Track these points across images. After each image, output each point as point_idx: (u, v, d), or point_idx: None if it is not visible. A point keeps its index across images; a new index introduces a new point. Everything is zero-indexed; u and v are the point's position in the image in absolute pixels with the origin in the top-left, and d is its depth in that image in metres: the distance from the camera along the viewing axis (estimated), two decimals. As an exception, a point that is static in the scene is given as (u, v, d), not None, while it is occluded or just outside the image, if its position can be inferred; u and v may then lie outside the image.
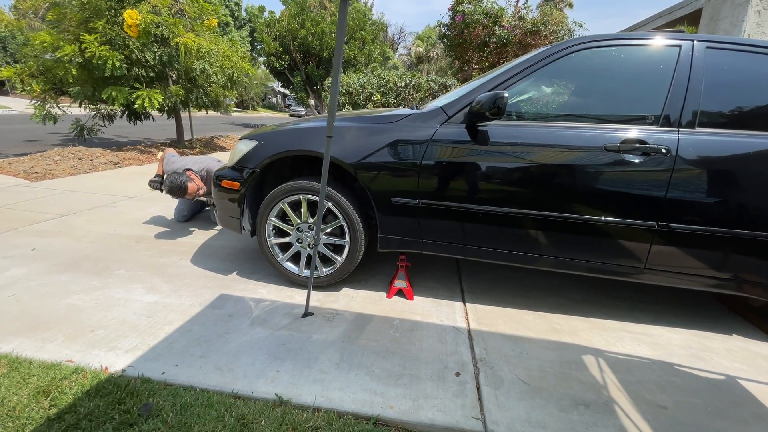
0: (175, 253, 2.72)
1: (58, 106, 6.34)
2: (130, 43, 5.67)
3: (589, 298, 2.33)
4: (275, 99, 41.67)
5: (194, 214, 3.55)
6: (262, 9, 16.34)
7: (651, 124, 1.84)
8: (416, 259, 2.66)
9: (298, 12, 15.01)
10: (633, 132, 1.80)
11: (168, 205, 3.74)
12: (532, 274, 2.56)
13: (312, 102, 17.91)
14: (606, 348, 1.84)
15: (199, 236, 3.11)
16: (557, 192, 1.88)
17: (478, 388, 1.51)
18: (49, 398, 1.31)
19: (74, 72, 5.65)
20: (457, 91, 2.24)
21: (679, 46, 1.84)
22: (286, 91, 26.54)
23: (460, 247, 2.03)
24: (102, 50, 5.41)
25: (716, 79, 1.80)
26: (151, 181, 3.24)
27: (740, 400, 1.54)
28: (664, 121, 1.81)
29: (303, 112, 31.69)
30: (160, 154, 3.34)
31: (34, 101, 6.17)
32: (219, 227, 3.30)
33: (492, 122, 1.90)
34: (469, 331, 1.92)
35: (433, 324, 1.96)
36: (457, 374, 1.58)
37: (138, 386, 1.40)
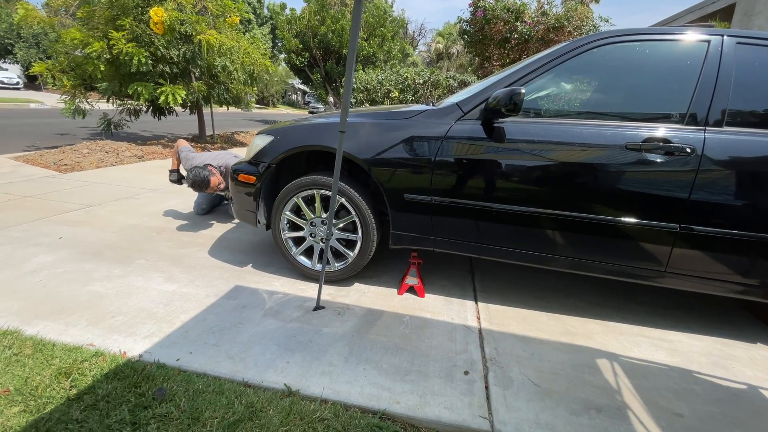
0: (193, 245, 2.79)
1: (87, 101, 6.58)
2: (156, 40, 5.83)
3: (606, 300, 2.27)
4: (295, 96, 42.13)
5: (213, 207, 3.64)
6: (283, 6, 16.51)
7: (675, 122, 1.77)
8: (429, 257, 2.65)
9: (319, 9, 15.09)
10: (656, 130, 1.74)
11: (188, 199, 3.83)
12: (547, 275, 2.51)
13: (331, 99, 18.01)
14: (622, 352, 1.79)
15: (217, 229, 3.18)
16: (575, 191, 1.83)
17: (486, 388, 1.50)
18: (69, 379, 1.37)
19: (102, 68, 5.85)
20: (474, 87, 2.21)
21: (708, 42, 1.76)
22: (306, 88, 26.81)
23: (473, 245, 2.01)
24: (129, 47, 5.58)
25: (747, 76, 1.72)
26: (172, 180, 3.33)
27: (762, 410, 1.48)
28: (690, 119, 1.74)
29: (322, 109, 31.97)
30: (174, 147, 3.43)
31: (64, 96, 6.42)
32: (236, 221, 3.37)
33: (508, 119, 1.86)
34: (480, 330, 1.90)
35: (443, 322, 1.95)
36: (466, 373, 1.57)
37: (153, 371, 1.45)
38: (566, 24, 7.28)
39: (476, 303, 2.16)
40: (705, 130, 1.70)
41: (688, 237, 1.75)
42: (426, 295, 2.20)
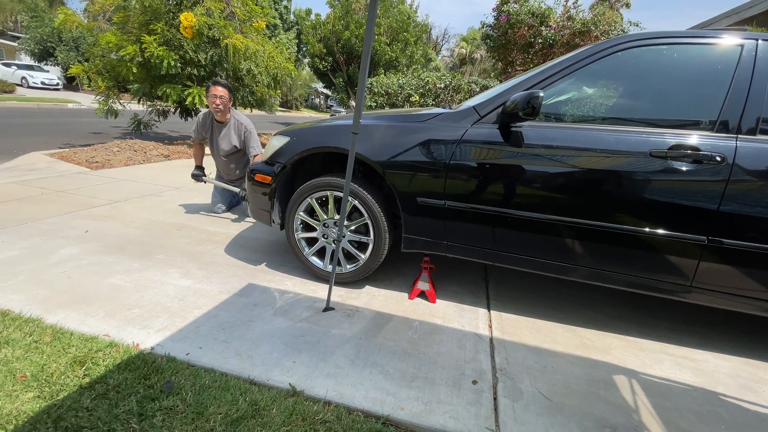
0: (210, 242, 2.85)
1: (120, 102, 6.86)
2: (185, 43, 6.04)
3: (626, 314, 2.18)
4: (318, 99, 42.77)
5: (231, 206, 3.72)
6: (308, 12, 16.83)
7: (705, 129, 1.68)
8: (443, 262, 2.61)
9: (343, 14, 15.30)
10: (683, 137, 1.66)
11: (208, 197, 3.93)
12: (564, 285, 2.43)
13: (352, 103, 18.17)
14: (641, 370, 1.71)
15: (234, 227, 3.24)
16: (595, 199, 1.77)
17: (495, 399, 1.45)
18: (83, 368, 1.41)
19: (134, 70, 6.10)
20: (492, 91, 2.18)
21: (741, 46, 1.67)
22: (328, 92, 27.19)
23: (487, 251, 1.97)
24: (160, 50, 5.80)
25: (785, 81, 1.62)
26: (193, 175, 3.43)
27: (797, 440, 1.37)
28: (721, 126, 1.65)
29: (343, 112, 32.31)
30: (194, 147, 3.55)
31: (98, 97, 6.73)
32: (253, 220, 3.43)
33: (526, 123, 1.82)
34: (491, 339, 1.85)
35: (453, 329, 1.91)
36: (474, 382, 1.53)
37: (163, 364, 1.48)
38: (593, 29, 7.10)
39: (489, 311, 2.11)
40: (737, 138, 1.61)
41: (717, 250, 1.65)
42: (437, 300, 2.16)
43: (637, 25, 7.23)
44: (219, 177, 3.66)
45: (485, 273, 2.59)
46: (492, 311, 2.11)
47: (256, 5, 6.92)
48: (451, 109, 2.14)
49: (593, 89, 2.01)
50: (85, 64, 6.63)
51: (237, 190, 3.38)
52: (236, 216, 3.57)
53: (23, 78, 21.61)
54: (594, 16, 7.07)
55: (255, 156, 3.32)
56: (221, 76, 6.87)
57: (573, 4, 7.28)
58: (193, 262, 2.47)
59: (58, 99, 17.56)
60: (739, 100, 1.63)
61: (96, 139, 7.70)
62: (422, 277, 2.16)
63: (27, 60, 25.05)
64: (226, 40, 6.12)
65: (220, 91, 3.14)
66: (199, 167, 3.48)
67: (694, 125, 1.73)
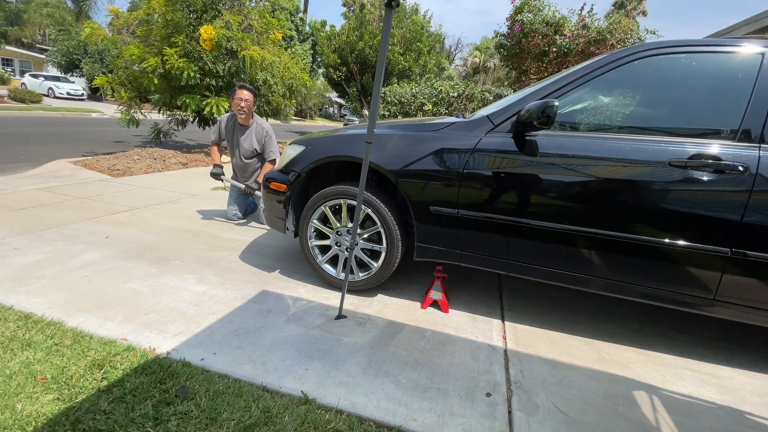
0: (226, 249, 2.89)
1: (141, 112, 7.08)
2: (204, 55, 6.22)
3: (646, 328, 2.12)
4: (331, 109, 43.31)
5: (246, 214, 3.77)
6: (323, 23, 17.16)
7: (726, 138, 1.64)
8: (456, 271, 2.59)
9: (357, 25, 15.53)
10: (704, 147, 1.62)
11: (225, 205, 4.00)
12: (580, 297, 2.38)
13: (365, 111, 18.36)
14: (662, 386, 1.65)
15: (249, 234, 3.29)
16: (612, 209, 1.74)
17: (509, 412, 1.42)
18: (102, 371, 1.44)
19: (156, 81, 6.30)
20: (506, 100, 2.17)
21: (762, 54, 1.63)
22: (342, 101, 27.56)
23: (501, 261, 1.95)
24: (180, 62, 5.99)
25: (810, 89, 1.57)
26: (212, 174, 3.50)
27: (831, 465, 1.30)
28: (743, 135, 1.61)
29: (356, 121, 32.67)
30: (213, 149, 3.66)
31: (121, 107, 6.96)
32: (268, 227, 3.47)
33: (541, 132, 1.81)
34: (505, 350, 1.82)
35: (466, 339, 1.89)
36: (488, 395, 1.50)
37: (178, 369, 1.50)
38: (609, 37, 7.04)
39: (503, 322, 2.08)
40: (760, 147, 1.57)
41: (741, 263, 1.60)
42: (450, 310, 2.14)
43: (654, 33, 7.15)
44: (234, 177, 3.72)
45: (499, 283, 2.56)
46: (506, 322, 2.08)
47: (273, 18, 7.09)
48: (464, 118, 2.14)
49: (609, 98, 2.00)
50: (109, 75, 6.88)
51: (255, 187, 3.45)
52: (252, 223, 3.62)
53: (50, 88, 22.51)
54: (609, 25, 7.02)
55: (272, 160, 3.40)
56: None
57: (588, 13, 7.24)
58: (208, 269, 2.51)
59: (82, 109, 18.21)
60: (762, 109, 1.59)
61: (118, 147, 7.95)
62: (435, 287, 2.14)
63: (54, 71, 26.13)
64: (243, 52, 6.28)
65: (245, 95, 3.26)
66: (218, 165, 3.54)
67: (714, 134, 1.70)
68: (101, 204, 3.81)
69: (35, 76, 23.42)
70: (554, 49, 7.28)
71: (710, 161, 1.59)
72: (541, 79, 8.02)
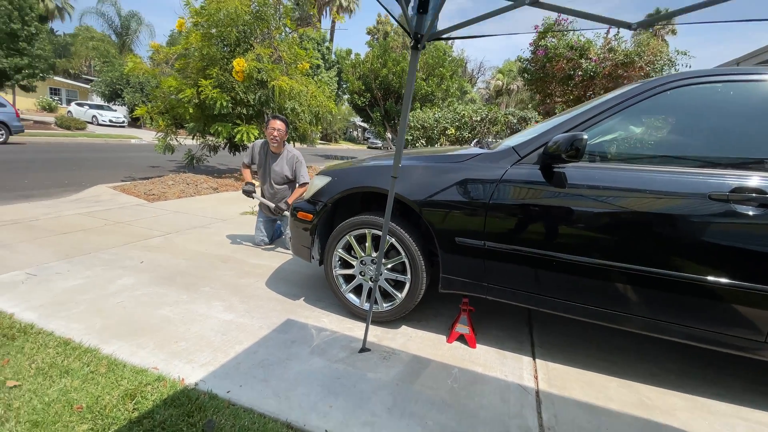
0: (252, 275, 2.95)
1: (176, 139, 7.47)
2: (236, 86, 6.55)
3: (690, 370, 1.97)
4: (355, 132, 44.32)
5: (273, 239, 3.85)
6: (349, 52, 17.81)
7: (770, 170, 1.56)
8: (483, 303, 2.52)
9: (381, 53, 16.03)
10: (747, 179, 1.54)
11: (252, 230, 4.10)
12: (617, 334, 2.26)
13: (389, 135, 18.69)
14: (712, 436, 1.52)
15: (275, 259, 3.34)
16: (649, 243, 1.66)
17: (543, 461, 1.34)
18: (133, 402, 1.47)
19: (191, 110, 6.67)
20: (531, 131, 2.16)
21: (808, 81, 1.56)
22: (366, 125, 28.20)
23: (530, 296, 1.89)
24: (214, 92, 6.33)
25: None
26: (245, 191, 3.61)
27: None
28: (790, 167, 1.52)
29: (379, 145, 33.30)
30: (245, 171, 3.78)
31: (158, 134, 7.37)
32: (293, 254, 3.51)
33: (570, 164, 1.78)
34: (537, 392, 1.74)
35: (496, 378, 1.81)
36: (520, 440, 1.43)
37: (206, 402, 1.51)
38: (637, 59, 6.93)
39: (534, 360, 1.99)
40: (810, 180, 1.48)
41: (796, 304, 1.48)
42: (477, 345, 2.08)
43: (685, 54, 6.99)
44: (264, 205, 3.82)
45: (528, 316, 2.47)
46: (537, 360, 1.99)
47: (301, 49, 7.42)
48: (489, 149, 2.14)
49: (641, 128, 1.95)
50: (149, 105, 7.33)
51: (284, 207, 3.51)
52: (278, 248, 3.69)
53: (94, 116, 24.19)
54: (637, 47, 6.93)
55: (303, 183, 3.53)
56: (267, 114, 7.33)
57: (614, 36, 7.19)
58: (235, 295, 2.55)
59: (122, 135, 19.41)
60: (810, 140, 1.51)
61: (154, 172, 8.38)
62: (461, 320, 2.09)
63: (98, 100, 28.10)
64: (273, 82, 6.57)
65: (278, 124, 3.42)
66: (250, 183, 3.63)
67: (757, 165, 1.61)
68: (137, 229, 3.99)
69: (80, 105, 25.28)
70: (580, 73, 7.23)
71: (754, 195, 1.51)
72: (567, 101, 7.95)
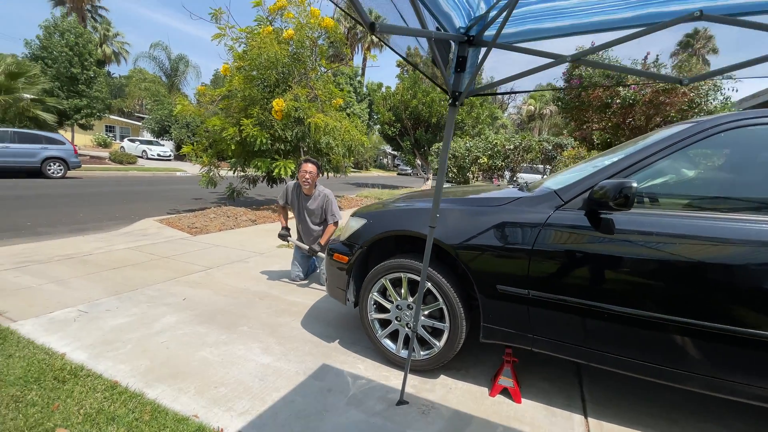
0: (288, 313, 2.97)
1: (219, 174, 7.89)
2: (275, 124, 6.90)
3: (763, 430, 1.75)
4: (385, 160, 45.10)
5: (308, 274, 3.90)
6: (380, 85, 18.42)
7: None
8: (527, 352, 2.39)
9: (411, 85, 16.44)
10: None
11: (287, 264, 4.18)
12: (676, 389, 2.06)
13: (418, 162, 18.86)
14: None
15: (310, 297, 3.36)
16: (709, 296, 1.53)
17: None
18: (174, 455, 1.47)
19: (233, 147, 7.06)
20: (574, 174, 2.09)
21: None
22: (395, 153, 28.67)
23: (581, 350, 1.76)
24: (255, 130, 6.69)
25: None
26: (280, 235, 3.74)
27: None
28: None
29: (409, 171, 33.66)
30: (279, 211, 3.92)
31: (203, 169, 7.82)
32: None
33: (618, 211, 1.69)
34: (591, 457, 1.59)
35: (544, 440, 1.68)
36: None
37: (243, 457, 1.49)
38: (679, 85, 6.67)
39: (585, 418, 1.84)
40: None
41: None
42: (523, 400, 1.95)
43: (731, 78, 6.65)
44: (299, 239, 3.92)
45: (578, 368, 2.30)
46: (589, 418, 1.83)
47: (336, 87, 7.76)
48: (527, 192, 2.08)
49: (695, 171, 1.84)
50: (195, 143, 7.83)
51: (317, 249, 3.60)
52: (313, 284, 3.72)
53: (143, 151, 26.14)
54: (679, 71, 6.68)
55: (334, 222, 3.62)
56: (303, 149, 7.63)
57: (653, 62, 6.99)
58: (272, 336, 2.57)
59: (168, 168, 20.76)
60: None
61: (197, 204, 8.83)
62: (504, 372, 1.98)
63: (148, 136, 30.44)
64: (309, 119, 6.87)
65: (310, 167, 3.54)
66: (286, 228, 3.81)
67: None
68: (180, 263, 4.16)
69: (132, 141, 27.45)
70: (618, 101, 7.03)
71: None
72: (605, 128, 7.73)
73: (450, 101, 1.30)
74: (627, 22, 1.09)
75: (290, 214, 3.94)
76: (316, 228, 3.75)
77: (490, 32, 1.24)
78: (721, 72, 1.05)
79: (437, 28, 1.15)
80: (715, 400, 1.98)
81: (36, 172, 12.41)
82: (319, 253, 3.64)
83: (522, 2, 1.10)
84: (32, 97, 16.26)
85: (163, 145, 27.62)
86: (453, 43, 1.26)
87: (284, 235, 3.81)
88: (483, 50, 1.28)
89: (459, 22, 1.23)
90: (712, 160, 1.84)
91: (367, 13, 0.74)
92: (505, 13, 1.02)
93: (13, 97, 15.14)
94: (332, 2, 0.82)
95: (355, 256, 2.34)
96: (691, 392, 1.98)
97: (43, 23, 18.76)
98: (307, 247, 3.69)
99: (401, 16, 0.98)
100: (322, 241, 3.64)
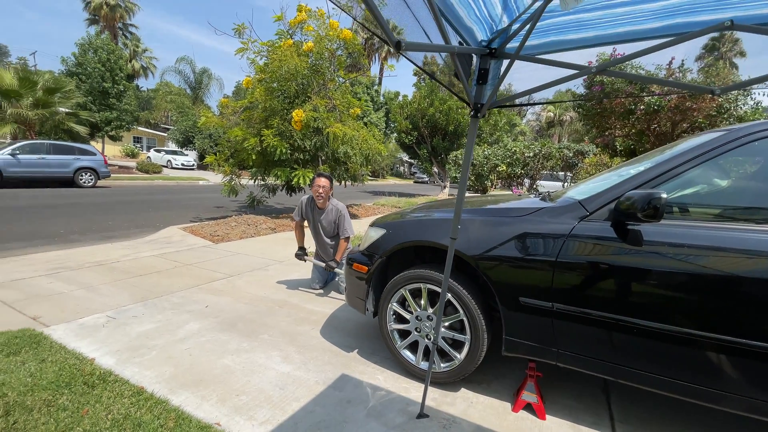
0: (308, 322, 2.99)
1: (240, 183, 8.07)
2: (295, 134, 7.03)
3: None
4: (402, 168, 45.16)
5: (326, 283, 3.93)
6: (396, 94, 18.58)
7: None
8: (551, 367, 2.33)
9: (428, 93, 16.48)
10: None
11: (306, 273, 4.22)
12: (714, 410, 1.95)
13: (435, 170, 18.80)
14: None
15: (328, 305, 3.38)
16: (744, 311, 1.46)
17: None
18: (198, 463, 1.49)
19: (254, 157, 7.22)
20: (599, 183, 2.04)
21: None
22: (412, 161, 28.70)
23: (608, 365, 1.70)
24: (275, 141, 6.83)
25: None
26: (297, 255, 3.79)
27: None
28: None
29: (426, 179, 33.61)
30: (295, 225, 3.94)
31: (224, 179, 8.02)
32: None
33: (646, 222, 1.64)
34: (621, 480, 1.52)
35: (570, 459, 1.63)
36: None
37: (264, 467, 1.50)
38: (711, 95, 6.46)
39: (614, 438, 1.77)
40: None
41: None
42: (547, 416, 1.89)
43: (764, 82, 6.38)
44: (316, 253, 3.96)
45: (605, 384, 2.22)
46: (618, 438, 1.76)
47: (354, 97, 7.86)
48: (550, 202, 2.05)
49: (727, 181, 1.77)
50: (217, 154, 8.05)
51: (334, 266, 3.62)
52: (331, 292, 3.74)
53: (168, 161, 27.02)
54: (706, 77, 6.48)
55: (346, 237, 3.61)
56: (321, 158, 7.73)
57: (678, 68, 6.80)
58: (292, 344, 2.59)
59: (192, 177, 21.36)
60: None
61: (218, 212, 9.05)
62: (528, 387, 1.93)
63: (172, 146, 31.44)
64: (327, 129, 6.97)
65: (323, 182, 3.55)
66: (302, 248, 3.86)
67: None
68: (203, 271, 4.26)
69: (158, 151, 28.42)
70: (642, 107, 6.86)
71: None
72: (628, 135, 7.54)
73: (471, 113, 1.30)
74: (654, 32, 1.07)
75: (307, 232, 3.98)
76: (331, 242, 3.79)
77: (512, 45, 1.24)
78: (757, 81, 1.01)
79: (459, 43, 1.16)
80: (755, 423, 1.87)
81: (69, 182, 12.98)
82: (336, 270, 3.66)
83: (545, 15, 1.10)
84: (67, 110, 17.10)
85: (187, 155, 28.48)
86: (475, 56, 1.27)
87: (300, 255, 3.85)
88: (505, 62, 1.28)
89: (481, 35, 1.24)
90: (744, 169, 1.77)
91: (392, 31, 0.76)
92: (528, 26, 1.02)
93: (50, 111, 15.95)
94: (356, 21, 0.84)
95: (374, 265, 2.35)
96: (729, 414, 1.88)
97: (78, 41, 19.78)
98: (323, 264, 3.72)
99: (424, 32, 1.00)
100: (338, 257, 3.67)
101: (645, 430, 1.82)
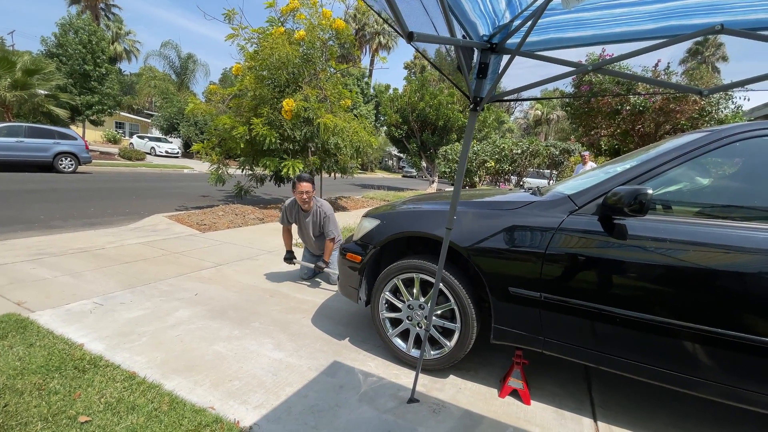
0: (299, 311, 3.01)
1: (227, 172, 7.96)
2: (284, 123, 6.96)
3: (780, 446, 1.76)
4: (391, 162, 45.14)
5: (317, 274, 3.95)
6: (387, 87, 18.48)
7: None
8: (537, 355, 2.41)
9: (419, 87, 16.48)
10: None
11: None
12: (690, 396, 2.07)
13: (424, 164, 18.88)
14: None
15: (319, 295, 3.41)
16: (721, 303, 1.55)
17: None
18: (194, 444, 1.51)
19: (242, 146, 7.13)
20: (588, 179, 2.11)
21: None
22: (401, 155, 28.74)
23: (592, 353, 1.78)
24: (264, 129, 6.75)
25: None
26: (285, 259, 3.82)
27: None
28: None
29: (414, 173, 33.77)
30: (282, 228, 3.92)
31: (212, 167, 7.90)
32: (336, 288, 3.57)
33: (632, 217, 1.71)
34: (601, 460, 1.61)
35: (554, 441, 1.71)
36: None
37: (260, 448, 1.53)
38: (699, 96, 6.66)
39: (595, 422, 1.86)
40: None
41: None
42: (532, 402, 1.97)
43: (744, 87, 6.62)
44: (306, 251, 3.98)
45: (586, 372, 2.32)
46: (599, 422, 1.86)
47: (345, 88, 7.82)
48: (540, 196, 2.11)
49: (708, 180, 1.86)
50: (204, 142, 7.91)
51: (323, 266, 3.66)
52: (321, 282, 3.77)
53: (152, 148, 26.35)
54: (690, 80, 6.68)
55: (331, 238, 3.62)
56: (311, 149, 7.68)
57: (664, 70, 6.98)
58: (284, 332, 2.61)
59: (176, 165, 20.91)
60: None
61: (204, 201, 8.91)
62: (514, 373, 2.01)
63: (156, 133, 30.65)
64: (318, 120, 6.92)
65: (305, 186, 3.50)
66: (290, 252, 3.85)
67: None
68: (191, 259, 4.22)
69: (141, 137, 27.66)
70: (628, 108, 7.03)
71: None
72: (614, 134, 7.72)
73: (471, 106, 1.34)
74: (648, 34, 1.13)
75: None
76: (319, 242, 3.82)
77: (512, 40, 1.28)
78: (743, 84, 1.08)
79: (463, 36, 1.19)
80: (728, 409, 1.99)
81: (48, 167, 12.56)
82: (325, 269, 3.68)
83: (546, 12, 1.13)
84: (46, 92, 16.48)
85: (171, 143, 27.83)
86: (476, 50, 1.30)
87: (289, 259, 3.84)
88: (504, 57, 1.31)
89: (483, 30, 1.27)
90: (725, 169, 1.86)
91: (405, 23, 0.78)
92: (529, 23, 1.05)
93: (28, 92, 15.35)
94: (366, 4, 0.85)
95: (368, 255, 2.38)
96: (704, 400, 2.00)
97: (59, 21, 19.01)
98: (313, 265, 3.74)
99: (432, 24, 1.02)
100: (326, 258, 3.68)
101: (624, 415, 1.91)
